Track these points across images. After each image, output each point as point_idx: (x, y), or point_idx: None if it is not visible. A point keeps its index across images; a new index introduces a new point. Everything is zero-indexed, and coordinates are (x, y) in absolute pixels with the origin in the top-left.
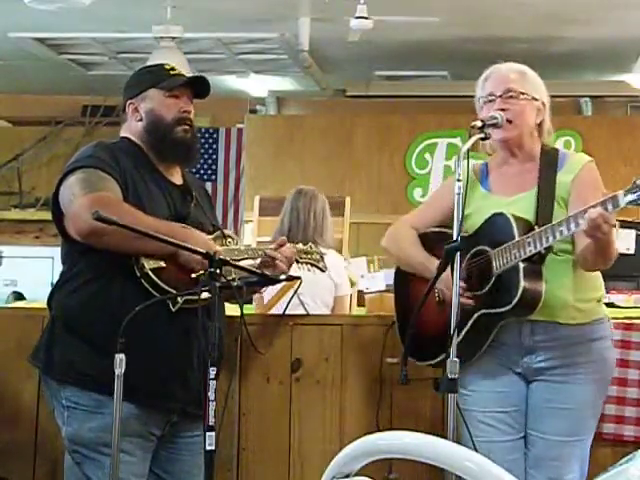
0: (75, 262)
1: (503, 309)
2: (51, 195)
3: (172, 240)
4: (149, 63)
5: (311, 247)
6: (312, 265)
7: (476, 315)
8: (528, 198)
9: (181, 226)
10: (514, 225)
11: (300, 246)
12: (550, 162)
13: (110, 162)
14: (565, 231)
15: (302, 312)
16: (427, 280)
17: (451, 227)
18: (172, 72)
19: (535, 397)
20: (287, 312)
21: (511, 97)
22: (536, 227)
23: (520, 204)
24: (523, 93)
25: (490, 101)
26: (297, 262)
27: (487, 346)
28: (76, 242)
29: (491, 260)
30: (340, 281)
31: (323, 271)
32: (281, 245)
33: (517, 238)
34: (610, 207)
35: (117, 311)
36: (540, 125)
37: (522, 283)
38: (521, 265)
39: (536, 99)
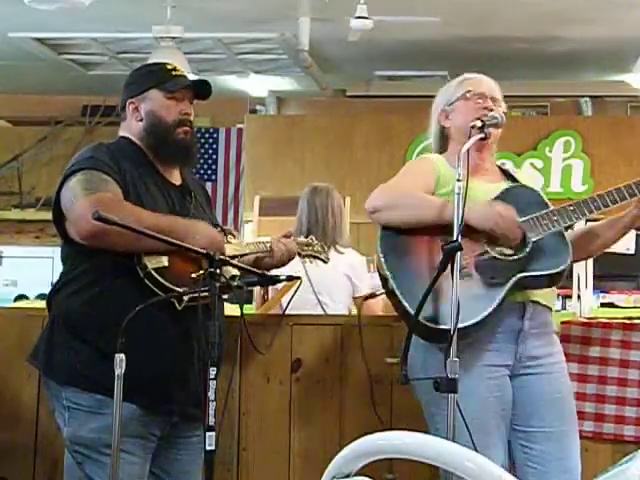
0: (76, 263)
1: (552, 271)
2: (53, 197)
3: (175, 241)
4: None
5: (312, 239)
6: (314, 257)
7: (515, 279)
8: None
9: (184, 219)
10: (542, 194)
11: (301, 239)
12: (505, 172)
13: (110, 163)
14: (618, 200)
15: (320, 312)
16: (431, 234)
17: None
18: (174, 73)
19: (524, 393)
20: (305, 312)
21: (495, 102)
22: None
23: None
24: (504, 104)
25: (481, 97)
26: (299, 255)
27: (490, 318)
28: (77, 244)
29: (525, 224)
30: (358, 282)
31: (325, 262)
32: (286, 236)
33: (551, 207)
34: None
35: (119, 312)
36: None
37: (570, 248)
38: (564, 232)
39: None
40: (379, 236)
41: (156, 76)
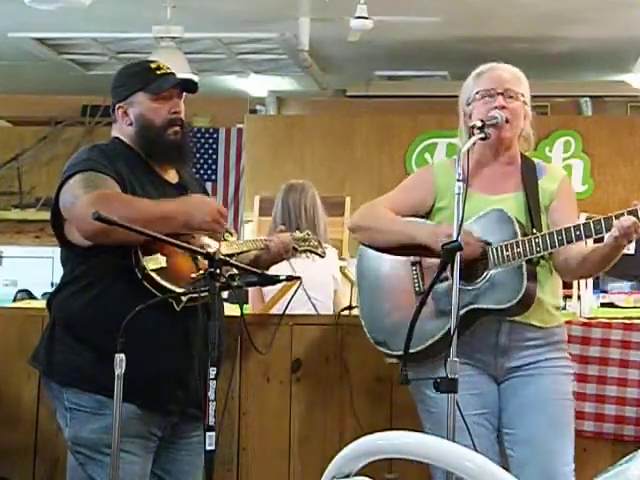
0: (75, 265)
1: (501, 306)
2: (52, 199)
3: (173, 241)
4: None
5: (308, 234)
6: (311, 252)
7: (465, 310)
8: (516, 200)
9: (179, 201)
10: (516, 224)
11: (297, 234)
12: (530, 169)
13: (106, 164)
14: (583, 235)
15: (311, 309)
16: (404, 261)
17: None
18: (159, 72)
19: (509, 395)
20: (296, 310)
21: (510, 97)
22: (534, 230)
23: (508, 204)
24: (523, 95)
25: (490, 96)
26: (295, 250)
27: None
28: (75, 246)
29: (487, 255)
30: (338, 275)
31: (322, 257)
32: (280, 232)
33: (519, 237)
34: None
35: (118, 313)
36: (521, 131)
37: (525, 283)
38: (524, 265)
39: (526, 104)
40: (357, 255)
41: (141, 78)
